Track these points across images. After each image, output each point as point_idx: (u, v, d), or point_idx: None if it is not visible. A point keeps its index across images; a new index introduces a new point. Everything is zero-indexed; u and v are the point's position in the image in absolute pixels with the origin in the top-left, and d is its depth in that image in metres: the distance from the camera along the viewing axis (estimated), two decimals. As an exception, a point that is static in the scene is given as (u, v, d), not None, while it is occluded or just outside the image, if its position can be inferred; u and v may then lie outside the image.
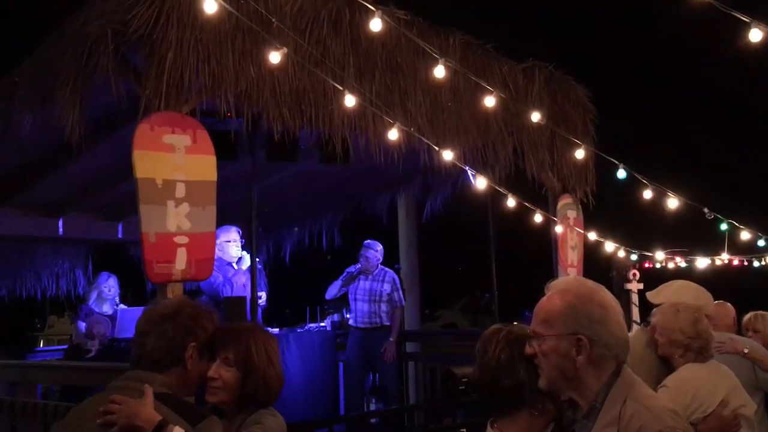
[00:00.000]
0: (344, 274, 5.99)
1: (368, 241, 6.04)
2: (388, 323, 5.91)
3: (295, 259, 7.61)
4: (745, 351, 3.60)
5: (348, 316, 6.07)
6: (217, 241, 5.19)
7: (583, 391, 1.62)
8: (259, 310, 5.34)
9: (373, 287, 5.90)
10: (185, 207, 3.38)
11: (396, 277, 6.07)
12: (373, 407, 6.51)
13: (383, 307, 5.90)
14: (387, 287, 5.94)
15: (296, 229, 7.54)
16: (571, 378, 1.61)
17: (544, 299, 1.70)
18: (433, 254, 9.39)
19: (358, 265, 5.98)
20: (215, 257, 5.23)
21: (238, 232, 5.37)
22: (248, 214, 4.05)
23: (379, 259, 6.00)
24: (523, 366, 1.67)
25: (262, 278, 5.46)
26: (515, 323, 1.82)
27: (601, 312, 1.62)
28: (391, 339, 5.87)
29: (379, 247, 6.05)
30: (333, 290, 5.98)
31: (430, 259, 8.19)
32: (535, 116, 4.71)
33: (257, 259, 5.28)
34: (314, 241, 7.43)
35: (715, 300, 4.02)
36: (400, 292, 6.03)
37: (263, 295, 5.38)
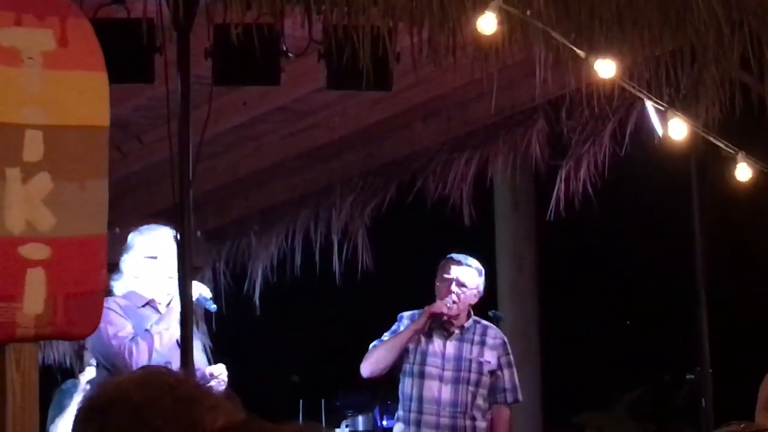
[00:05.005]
0: (400, 321, 6.06)
1: (457, 254, 6.10)
2: None
3: (274, 296, 7.60)
4: None
5: (389, 421, 6.26)
6: (127, 256, 5.51)
7: None
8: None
9: (462, 352, 5.95)
10: (44, 181, 3.45)
11: (506, 339, 6.13)
12: None
13: (480, 398, 5.94)
14: (491, 357, 6.00)
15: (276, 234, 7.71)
16: None
17: None
18: (571, 289, 9.35)
19: (432, 306, 6.02)
20: (125, 291, 5.53)
21: (176, 239, 5.44)
22: (175, 200, 4.22)
23: (479, 293, 6.07)
24: None
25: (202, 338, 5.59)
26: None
27: None
28: None
29: (479, 267, 6.11)
30: (378, 356, 5.99)
31: (563, 298, 7.97)
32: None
33: (200, 295, 5.43)
34: (315, 259, 7.49)
35: None
36: (515, 371, 6.08)
37: (219, 369, 5.37)
